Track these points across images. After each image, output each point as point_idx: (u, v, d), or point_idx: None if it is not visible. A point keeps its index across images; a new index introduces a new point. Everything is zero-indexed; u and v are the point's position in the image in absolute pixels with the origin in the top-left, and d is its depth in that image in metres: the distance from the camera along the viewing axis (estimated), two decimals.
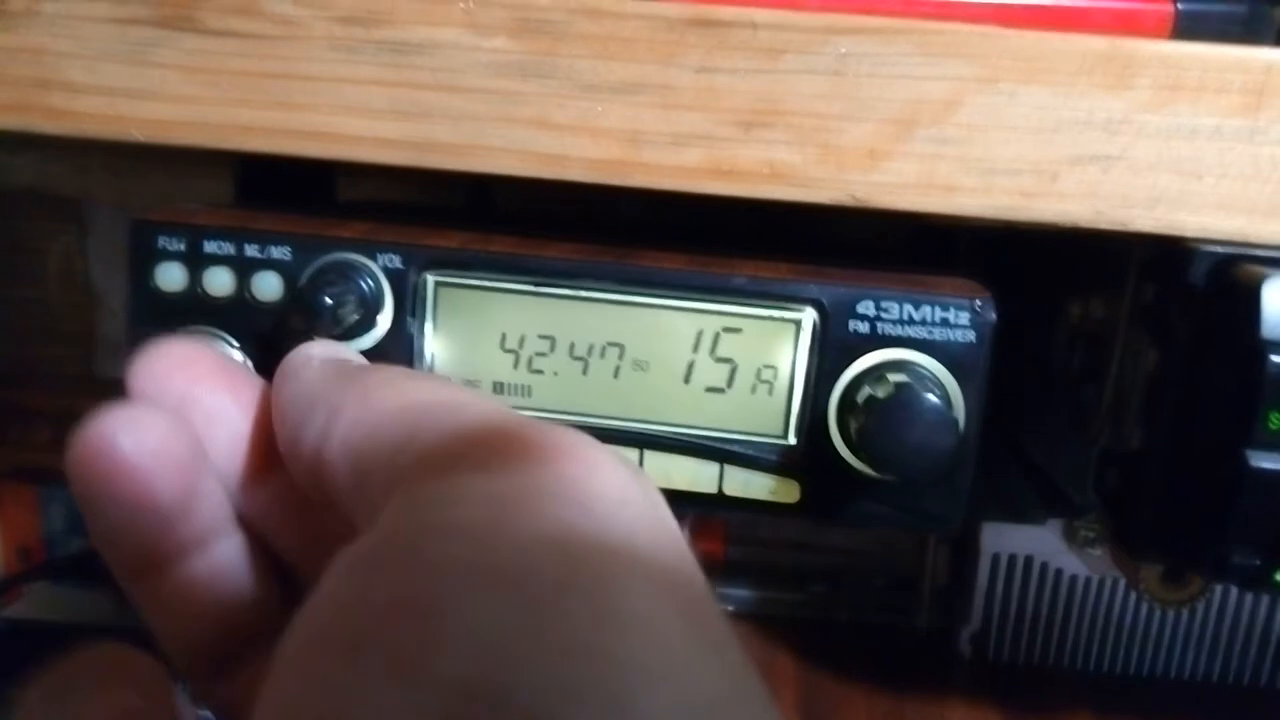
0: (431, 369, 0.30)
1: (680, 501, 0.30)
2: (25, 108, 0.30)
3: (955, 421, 0.27)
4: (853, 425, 0.28)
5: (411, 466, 0.18)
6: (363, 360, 0.24)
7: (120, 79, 0.29)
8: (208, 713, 0.24)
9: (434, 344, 0.30)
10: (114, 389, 0.31)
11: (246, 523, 0.23)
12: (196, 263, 0.30)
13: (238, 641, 0.23)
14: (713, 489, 0.30)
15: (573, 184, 0.29)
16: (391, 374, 0.21)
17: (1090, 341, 0.32)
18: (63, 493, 0.64)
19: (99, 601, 0.58)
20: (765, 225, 0.40)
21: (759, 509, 0.30)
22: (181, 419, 0.21)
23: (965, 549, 0.40)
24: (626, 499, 0.17)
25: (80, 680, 0.20)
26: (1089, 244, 0.33)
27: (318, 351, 0.24)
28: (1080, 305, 0.33)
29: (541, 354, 0.30)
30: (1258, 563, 0.25)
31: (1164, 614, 0.38)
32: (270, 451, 0.23)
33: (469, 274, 0.29)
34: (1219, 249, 0.27)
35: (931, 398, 0.27)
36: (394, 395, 0.20)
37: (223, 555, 0.22)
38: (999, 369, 0.29)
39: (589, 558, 0.15)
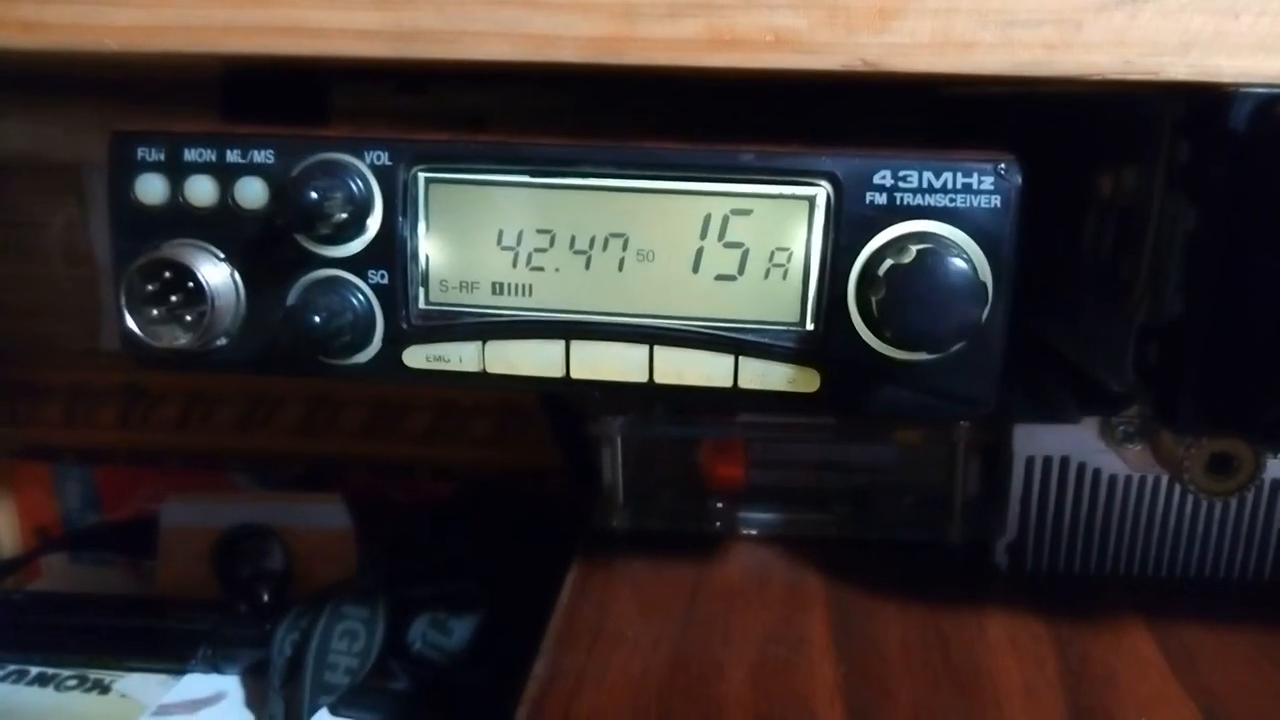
0: (426, 272, 0.29)
1: (695, 398, 0.29)
2: None
3: (982, 288, 0.25)
4: (873, 301, 0.26)
5: None
6: None
7: None
8: None
9: (428, 245, 0.29)
10: (123, 362, 0.30)
11: None
12: (177, 172, 0.29)
13: None
14: (728, 383, 0.28)
15: (571, 105, 0.27)
16: None
17: (1123, 215, 0.30)
18: (78, 470, 0.64)
19: (115, 574, 0.58)
20: (770, 125, 0.39)
21: (778, 401, 0.28)
22: None
23: (997, 455, 0.38)
24: None
25: None
26: (1116, 111, 0.31)
27: None
28: (1111, 179, 0.31)
29: (541, 250, 0.28)
30: None
31: (1210, 509, 0.37)
32: None
33: (461, 167, 0.28)
34: (1259, 91, 0.25)
35: (956, 264, 0.25)
36: None
37: None
38: (1025, 264, 0.27)
39: None
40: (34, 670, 0.46)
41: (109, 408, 0.63)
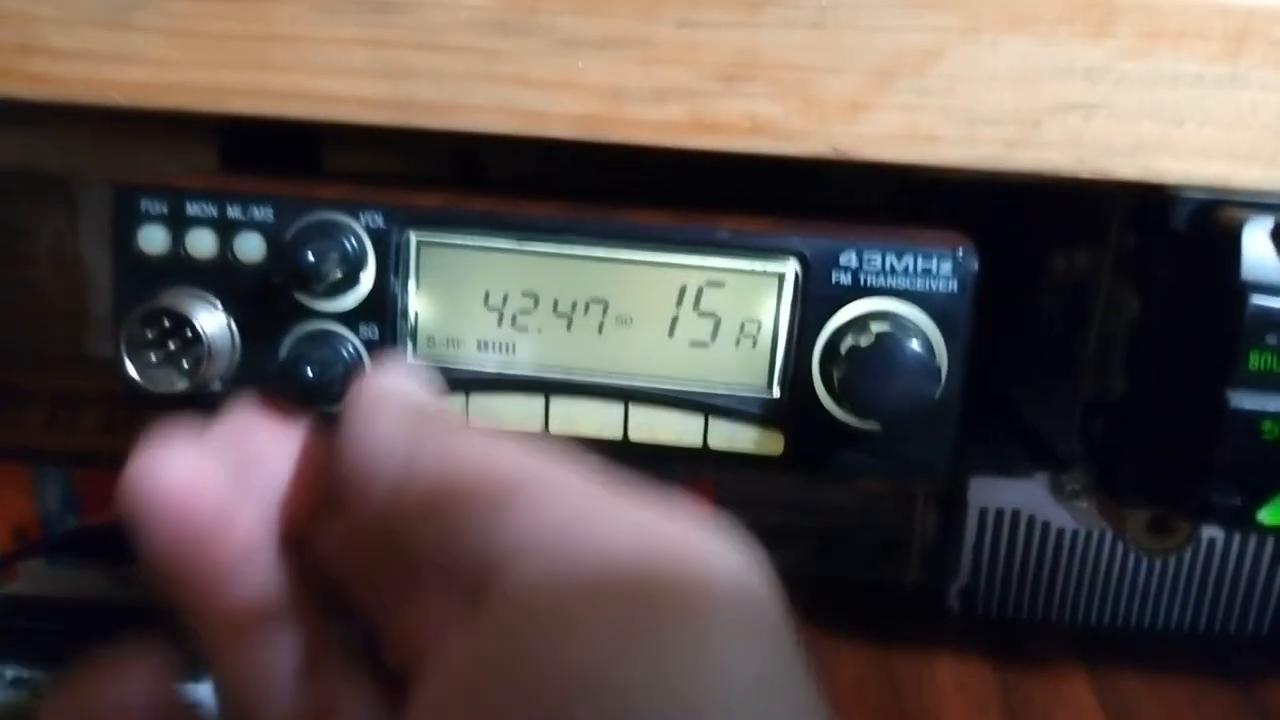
0: (415, 328, 0.30)
1: (666, 456, 0.30)
2: (6, 74, 0.30)
3: (938, 369, 0.27)
4: (835, 375, 0.28)
5: (512, 546, 0.18)
6: (436, 401, 0.25)
7: (101, 43, 0.29)
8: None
9: (417, 302, 0.30)
10: (107, 368, 0.31)
11: (299, 556, 0.24)
12: (179, 225, 0.30)
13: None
14: (698, 443, 0.30)
15: (560, 150, 0.29)
16: (475, 433, 0.21)
17: (1075, 293, 0.32)
18: (57, 473, 0.65)
19: (94, 579, 0.58)
20: (749, 189, 0.40)
21: (744, 462, 0.30)
22: (215, 448, 0.22)
23: (953, 504, 0.40)
24: (742, 596, 0.18)
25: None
26: (1072, 197, 0.33)
27: (392, 386, 0.24)
28: (1064, 258, 0.33)
29: (525, 311, 0.30)
30: (1239, 502, 0.25)
31: (1151, 565, 0.39)
32: (321, 486, 0.23)
33: (451, 232, 0.29)
34: (1200, 195, 0.27)
35: (913, 345, 0.27)
36: (480, 455, 0.20)
37: (264, 580, 0.23)
38: (986, 325, 0.29)
39: (726, 679, 0.16)
40: (9, 674, 0.47)
41: (92, 413, 0.64)
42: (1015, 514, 0.39)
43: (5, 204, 0.61)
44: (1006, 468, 0.38)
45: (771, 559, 0.43)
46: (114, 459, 0.62)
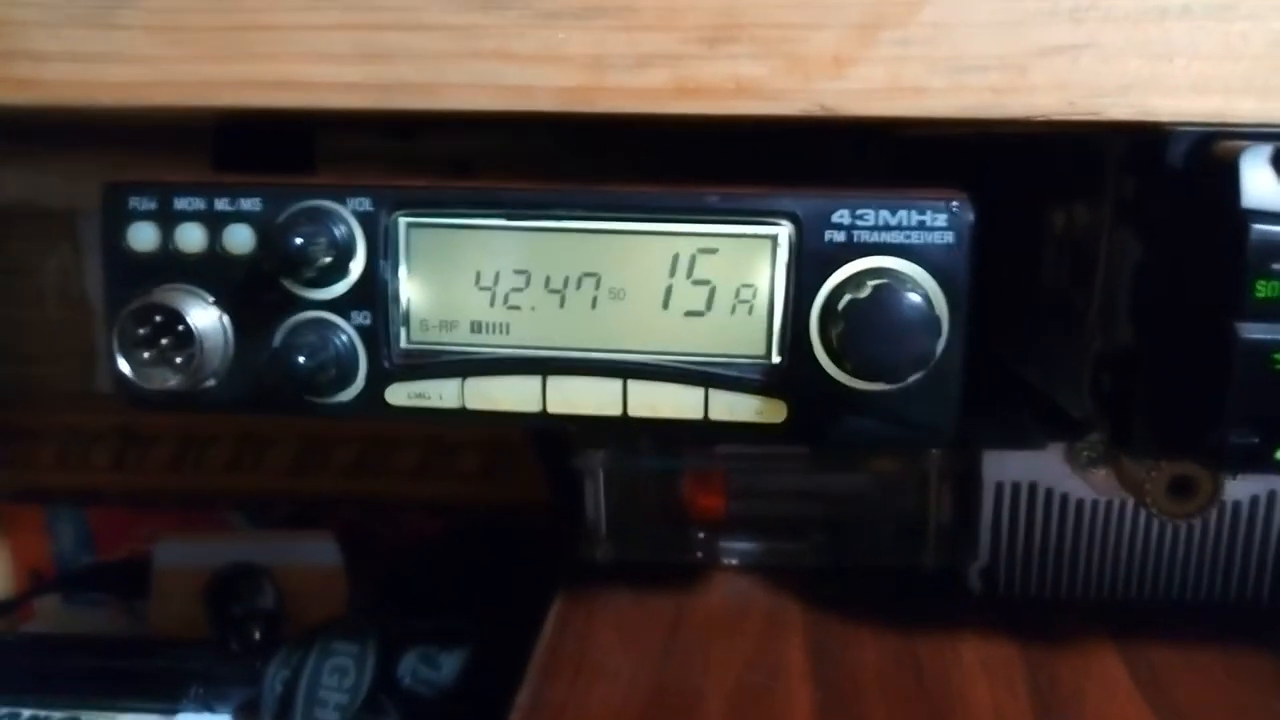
0: (408, 312, 0.30)
1: (668, 430, 0.30)
2: None
3: (937, 320, 0.27)
4: (834, 334, 0.27)
5: None
6: None
7: (86, 43, 0.29)
8: None
9: (408, 286, 0.30)
10: (116, 404, 0.31)
11: None
12: (168, 220, 0.30)
13: None
14: (699, 415, 0.29)
15: (553, 147, 0.29)
16: None
17: (1076, 248, 0.32)
18: (70, 512, 0.65)
19: (108, 614, 0.58)
20: (744, 167, 0.40)
21: (747, 432, 0.29)
22: None
23: (968, 482, 0.39)
24: None
25: None
26: (1067, 150, 0.33)
27: None
28: (1063, 214, 0.32)
29: (517, 289, 0.29)
30: (1256, 440, 0.25)
31: (1175, 532, 0.37)
32: None
33: (439, 212, 0.29)
34: (1195, 129, 0.26)
35: (912, 298, 0.26)
36: None
37: None
38: (989, 294, 0.28)
39: None
40: (26, 713, 0.46)
41: (102, 450, 0.64)
42: (1032, 487, 0.38)
43: (9, 242, 0.61)
44: (1019, 439, 0.38)
45: (785, 551, 0.43)
46: (126, 495, 0.62)
